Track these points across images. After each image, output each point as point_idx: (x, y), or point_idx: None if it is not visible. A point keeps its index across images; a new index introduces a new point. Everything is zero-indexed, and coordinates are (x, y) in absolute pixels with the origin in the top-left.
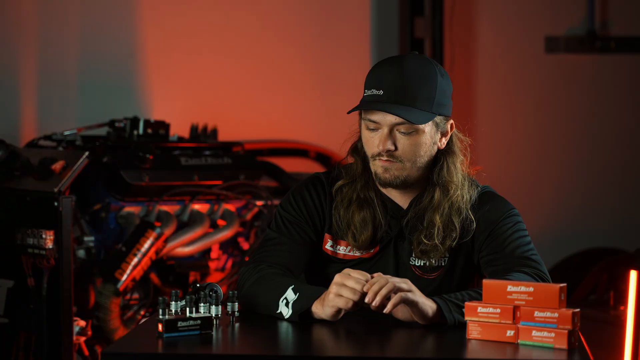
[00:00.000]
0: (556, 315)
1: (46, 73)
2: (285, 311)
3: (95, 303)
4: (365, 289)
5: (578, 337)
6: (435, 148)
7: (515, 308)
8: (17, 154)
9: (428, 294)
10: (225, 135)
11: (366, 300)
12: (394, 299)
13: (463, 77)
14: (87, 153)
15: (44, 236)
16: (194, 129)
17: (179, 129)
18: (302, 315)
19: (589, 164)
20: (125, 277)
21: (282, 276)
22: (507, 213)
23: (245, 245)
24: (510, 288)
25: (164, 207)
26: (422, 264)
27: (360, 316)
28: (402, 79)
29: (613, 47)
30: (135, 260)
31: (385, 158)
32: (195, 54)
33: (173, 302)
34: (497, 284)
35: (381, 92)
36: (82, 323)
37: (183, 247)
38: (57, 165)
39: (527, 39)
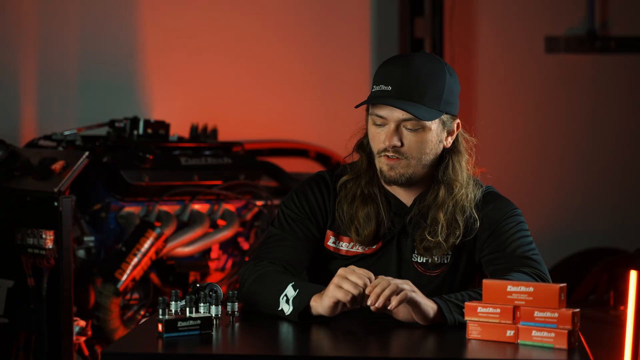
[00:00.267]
0: (556, 315)
1: (46, 73)
2: (287, 308)
3: (95, 303)
4: (367, 292)
5: (578, 337)
6: (441, 146)
7: (515, 308)
8: (17, 154)
9: (430, 291)
10: (225, 135)
11: (368, 302)
12: (400, 296)
13: (463, 77)
14: (87, 153)
15: (44, 236)
16: (194, 129)
17: (179, 129)
18: (302, 315)
19: (589, 164)
20: (125, 277)
21: (282, 274)
22: (510, 213)
23: (245, 245)
24: (510, 288)
25: (164, 207)
26: (424, 261)
27: (360, 316)
28: (411, 76)
29: (613, 47)
30: (135, 260)
31: (391, 155)
32: (195, 54)
33: (173, 302)
34: (497, 284)
35: (389, 87)
36: (82, 323)
37: (183, 247)
38: (57, 165)
39: (527, 39)
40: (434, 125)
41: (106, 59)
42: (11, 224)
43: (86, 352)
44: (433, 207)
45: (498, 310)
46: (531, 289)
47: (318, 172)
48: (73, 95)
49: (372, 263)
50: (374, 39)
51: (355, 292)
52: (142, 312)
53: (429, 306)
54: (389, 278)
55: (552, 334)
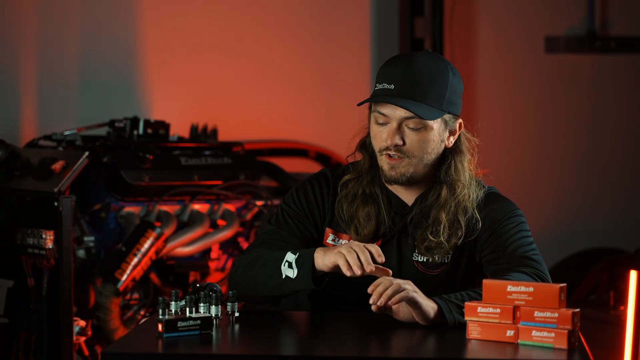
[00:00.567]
0: (556, 315)
1: (46, 73)
2: (291, 272)
3: (95, 303)
4: (369, 290)
5: (578, 337)
6: (443, 146)
7: (515, 308)
8: (17, 154)
9: (430, 290)
10: (225, 135)
11: (370, 300)
12: (401, 294)
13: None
14: (87, 153)
15: (44, 236)
16: (194, 129)
17: (179, 129)
18: (314, 279)
19: (589, 164)
20: (125, 277)
21: (275, 251)
22: (511, 213)
23: (245, 245)
24: (510, 288)
25: (164, 207)
26: (425, 260)
27: (360, 316)
28: (414, 75)
29: (613, 47)
30: (135, 260)
31: (392, 154)
32: (195, 54)
33: (173, 302)
34: (497, 284)
35: (392, 86)
36: (82, 323)
37: (183, 247)
38: (57, 165)
39: (527, 39)
40: (436, 124)
41: (106, 59)
42: (11, 224)
43: (86, 352)
44: (435, 207)
45: (498, 310)
46: (531, 289)
47: (322, 170)
48: (73, 95)
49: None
50: (374, 39)
51: (356, 271)
52: (142, 312)
53: (430, 306)
54: (391, 278)
55: (552, 334)
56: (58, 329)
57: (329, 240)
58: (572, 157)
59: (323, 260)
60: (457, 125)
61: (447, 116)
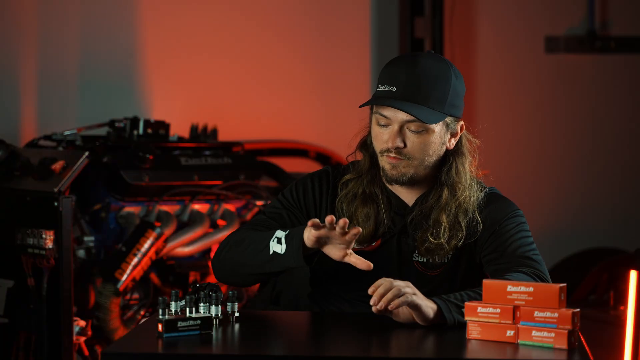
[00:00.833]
0: (556, 315)
1: (46, 73)
2: (280, 248)
3: (95, 303)
4: (370, 292)
5: (578, 337)
6: (444, 148)
7: (515, 308)
8: (17, 154)
9: (430, 290)
10: (225, 135)
11: (371, 302)
12: (401, 298)
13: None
14: (87, 153)
15: (44, 236)
16: (194, 129)
17: (179, 129)
18: (304, 256)
19: (589, 164)
20: (125, 277)
21: (264, 230)
22: (512, 213)
23: None
24: (510, 288)
25: (164, 207)
26: (424, 261)
27: (360, 316)
28: (417, 77)
29: (613, 47)
30: (135, 260)
31: (393, 155)
32: (195, 54)
33: (173, 302)
34: (496, 284)
35: (394, 88)
36: (82, 323)
37: (183, 247)
38: (57, 165)
39: (527, 39)
40: (438, 127)
41: (106, 59)
42: (11, 224)
43: (86, 352)
44: (435, 208)
45: (498, 310)
46: (531, 289)
47: (324, 167)
48: (73, 95)
49: (372, 261)
50: (374, 39)
51: (338, 253)
52: (142, 312)
53: (430, 307)
54: (391, 280)
55: (552, 334)
56: (58, 329)
57: None
58: (572, 157)
59: (308, 234)
60: (459, 127)
61: (448, 119)
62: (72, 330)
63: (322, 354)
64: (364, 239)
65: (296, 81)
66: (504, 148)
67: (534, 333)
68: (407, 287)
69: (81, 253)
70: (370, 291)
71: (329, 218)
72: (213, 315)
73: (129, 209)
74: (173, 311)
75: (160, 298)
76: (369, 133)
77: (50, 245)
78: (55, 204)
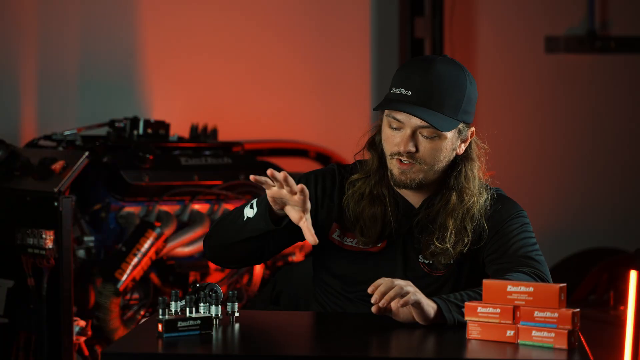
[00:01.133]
0: (556, 315)
1: (46, 73)
2: (251, 212)
3: (95, 303)
4: (370, 291)
5: (578, 337)
6: (454, 154)
7: (515, 308)
8: (17, 154)
9: (434, 291)
10: (225, 135)
11: (372, 300)
12: (405, 298)
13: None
14: (87, 153)
15: (44, 236)
16: (194, 129)
17: (179, 129)
18: (273, 219)
19: (589, 164)
20: (125, 277)
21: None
22: (515, 214)
23: None
24: (510, 288)
25: (164, 207)
26: (430, 262)
27: (360, 316)
28: (432, 83)
29: (613, 47)
30: (135, 260)
31: (404, 160)
32: (195, 54)
33: (173, 302)
34: (497, 284)
35: (409, 92)
36: (82, 323)
37: (183, 247)
38: (57, 165)
39: (527, 39)
40: (450, 133)
41: (106, 59)
42: (11, 224)
43: (86, 352)
44: (442, 212)
45: (498, 310)
46: (531, 289)
47: (330, 165)
48: (73, 95)
49: (377, 261)
50: (374, 39)
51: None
52: (142, 312)
53: (430, 306)
54: (391, 279)
55: (552, 334)
56: (58, 329)
57: (335, 235)
58: (572, 157)
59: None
60: (469, 133)
61: (460, 125)
62: (72, 330)
63: (322, 354)
64: (370, 240)
65: (296, 81)
66: (504, 148)
67: (534, 333)
68: (408, 286)
69: (81, 253)
70: (370, 290)
71: (268, 171)
72: (213, 315)
73: (129, 209)
74: (173, 311)
75: (160, 298)
76: (378, 132)
77: (50, 245)
78: (55, 204)
